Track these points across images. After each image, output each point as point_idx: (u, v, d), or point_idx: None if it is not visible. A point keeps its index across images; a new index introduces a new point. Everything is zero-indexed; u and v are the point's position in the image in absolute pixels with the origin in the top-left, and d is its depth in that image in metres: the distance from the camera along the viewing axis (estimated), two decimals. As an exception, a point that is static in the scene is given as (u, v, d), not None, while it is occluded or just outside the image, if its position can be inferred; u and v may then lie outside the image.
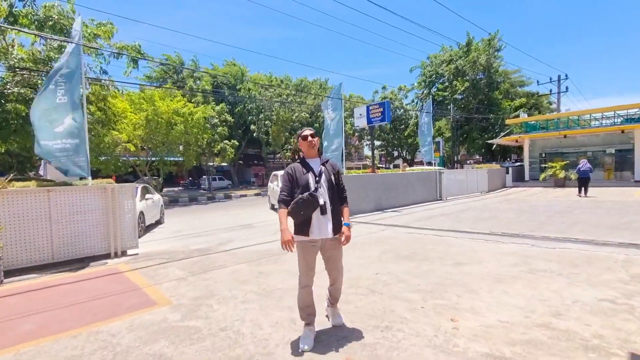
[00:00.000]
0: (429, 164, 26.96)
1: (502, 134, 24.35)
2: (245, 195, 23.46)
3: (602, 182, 17.87)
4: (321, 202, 2.58)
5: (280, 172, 13.47)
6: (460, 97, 29.54)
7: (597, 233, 6.27)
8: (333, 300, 2.91)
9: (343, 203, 2.82)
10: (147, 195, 9.72)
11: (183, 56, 31.58)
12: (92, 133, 11.28)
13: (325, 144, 11.42)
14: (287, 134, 28.80)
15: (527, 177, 21.39)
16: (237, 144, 26.79)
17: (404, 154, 45.76)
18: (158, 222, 10.97)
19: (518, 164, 23.76)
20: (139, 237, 8.47)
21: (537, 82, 26.47)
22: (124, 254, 6.41)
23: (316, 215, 2.60)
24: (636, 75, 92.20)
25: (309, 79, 35.71)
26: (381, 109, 11.45)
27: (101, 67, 10.05)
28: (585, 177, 13.79)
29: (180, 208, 16.95)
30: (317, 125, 31.89)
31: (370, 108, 11.77)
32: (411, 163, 44.57)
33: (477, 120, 29.81)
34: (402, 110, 37.72)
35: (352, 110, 30.69)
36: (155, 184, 21.61)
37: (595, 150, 19.27)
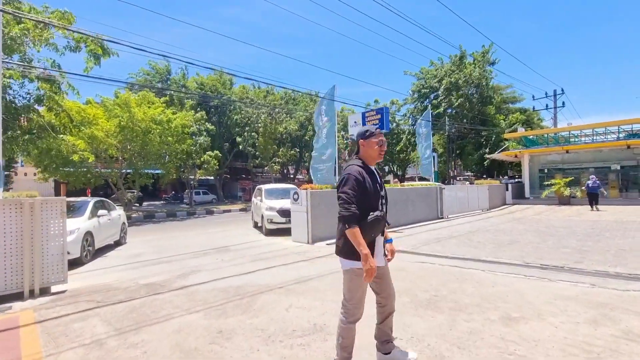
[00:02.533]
0: (422, 179, 25.82)
1: (500, 149, 23.46)
2: (229, 211, 21.74)
3: (608, 199, 16.88)
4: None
5: (267, 186, 11.97)
6: (454, 111, 28.81)
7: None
8: (390, 330, 2.41)
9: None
10: (101, 212, 8.06)
11: (172, 67, 30.12)
12: (37, 137, 9.57)
13: (314, 154, 10.01)
14: (274, 146, 27.37)
15: (527, 194, 20.36)
16: (220, 155, 25.20)
17: (395, 169, 44.83)
18: (118, 243, 9.26)
19: (517, 180, 22.80)
20: (86, 262, 6.86)
21: (533, 96, 25.90)
22: (45, 292, 4.77)
23: (379, 237, 2.25)
24: (619, 95, 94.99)
25: (298, 92, 34.77)
26: (379, 116, 10.20)
27: (54, 61, 8.50)
28: (594, 193, 14.31)
29: (154, 225, 15.14)
30: (307, 138, 30.67)
31: (367, 115, 10.51)
32: (402, 179, 43.62)
33: (472, 135, 29.06)
34: (394, 124, 36.93)
35: (344, 123, 29.69)
36: (130, 198, 19.77)
37: (599, 166, 18.41)
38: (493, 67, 28.67)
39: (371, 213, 2.14)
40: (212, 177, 30.42)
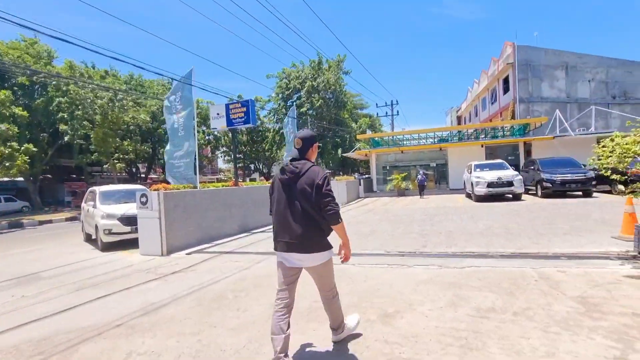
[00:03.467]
0: None
1: (353, 149, 26.34)
2: (49, 222, 16.64)
3: (428, 190, 21.23)
4: None
5: (102, 188, 9.49)
6: (315, 112, 30.73)
7: (476, 241, 6.15)
8: None
9: None
10: None
11: None
12: None
13: (169, 148, 8.46)
14: (117, 139, 22.73)
15: (375, 188, 23.54)
16: (34, 149, 19.13)
17: (261, 168, 44.79)
18: None
19: (366, 176, 26.10)
20: None
21: (376, 104, 30.23)
22: None
23: None
24: (432, 107, 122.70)
25: (145, 78, 30.14)
26: (244, 109, 9.47)
27: None
28: (422, 185, 18.09)
29: None
30: (162, 132, 26.87)
31: (231, 107, 9.62)
32: (268, 177, 44.00)
33: (330, 135, 31.68)
34: (259, 122, 36.65)
35: (202, 116, 27.36)
36: None
37: (423, 164, 22.94)
38: (346, 76, 32.05)
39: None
40: (21, 179, 22.81)
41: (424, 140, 23.68)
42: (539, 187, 14.17)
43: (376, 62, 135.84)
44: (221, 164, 56.96)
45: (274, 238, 2.47)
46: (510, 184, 13.40)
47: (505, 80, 30.39)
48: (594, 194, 13.41)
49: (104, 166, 28.97)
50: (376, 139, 25.03)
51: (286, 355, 2.27)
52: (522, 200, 13.35)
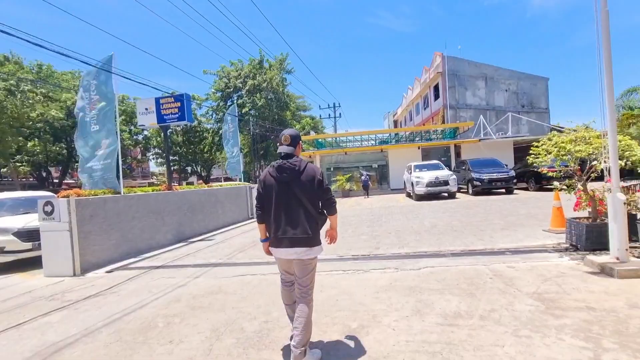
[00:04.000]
0: (228, 179, 25.05)
1: (297, 149, 25.99)
2: None
3: (371, 190, 21.79)
4: None
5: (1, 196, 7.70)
6: (258, 112, 29.71)
7: (426, 241, 6.17)
8: None
9: None
10: None
11: None
12: None
13: (81, 146, 7.12)
14: (20, 138, 19.29)
15: (319, 189, 23.46)
16: None
17: (199, 170, 42.12)
18: None
19: (311, 177, 25.95)
20: None
21: (319, 106, 30.35)
22: None
23: None
24: (373, 110, 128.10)
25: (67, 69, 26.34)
26: (178, 104, 8.46)
27: None
28: (367, 185, 18.55)
29: None
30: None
31: (163, 102, 8.52)
32: (207, 180, 41.52)
33: (273, 137, 30.92)
34: (196, 122, 34.35)
35: (128, 113, 24.70)
36: None
37: (365, 165, 23.51)
38: (289, 76, 31.59)
39: None
40: None
41: (366, 142, 24.32)
42: (469, 185, 15.32)
43: (317, 68, 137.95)
44: (153, 167, 52.34)
45: (275, 235, 2.43)
46: (446, 183, 14.23)
47: (436, 88, 32.78)
48: (515, 191, 14.90)
49: (2, 170, 24.47)
50: (320, 140, 25.04)
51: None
52: (457, 198, 14.26)
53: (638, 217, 4.83)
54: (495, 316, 2.89)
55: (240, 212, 11.80)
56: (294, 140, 2.51)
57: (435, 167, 15.72)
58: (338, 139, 24.88)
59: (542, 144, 5.03)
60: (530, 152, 5.27)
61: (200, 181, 40.58)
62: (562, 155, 4.64)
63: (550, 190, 14.88)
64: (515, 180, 14.71)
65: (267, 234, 2.54)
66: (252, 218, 12.25)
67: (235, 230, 9.61)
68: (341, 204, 16.47)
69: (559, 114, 69.00)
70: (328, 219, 2.54)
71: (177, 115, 8.44)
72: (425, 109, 36.97)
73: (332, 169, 23.84)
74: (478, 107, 31.52)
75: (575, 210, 5.35)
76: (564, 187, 5.06)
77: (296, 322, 2.33)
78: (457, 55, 31.50)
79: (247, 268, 5.24)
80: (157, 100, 8.55)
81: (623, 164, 4.21)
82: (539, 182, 14.78)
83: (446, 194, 14.79)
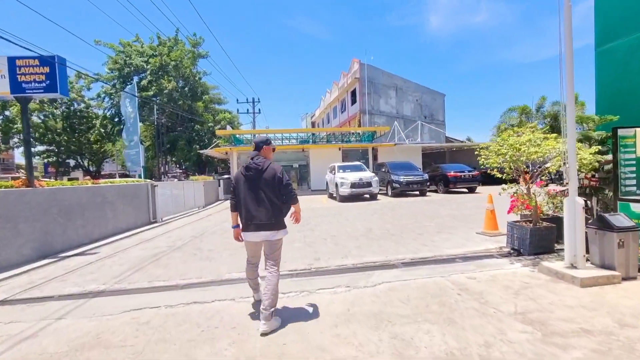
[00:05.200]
0: (125, 176, 21.71)
1: (212, 145, 23.60)
2: None
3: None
4: None
5: None
6: (165, 99, 26.02)
7: (367, 247, 5.56)
8: None
9: None
10: None
11: None
12: None
13: None
14: None
15: (236, 189, 21.65)
16: None
17: (86, 164, 35.33)
18: None
19: (227, 176, 23.83)
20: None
21: (237, 100, 28.38)
22: None
23: None
24: (291, 110, 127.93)
25: None
26: (47, 69, 6.13)
27: None
28: None
29: None
30: None
31: (21, 64, 6.05)
32: (97, 176, 35.10)
33: (183, 129, 27.62)
34: (82, 105, 28.57)
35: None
36: None
37: (285, 164, 22.59)
38: (205, 66, 28.64)
39: None
40: None
41: (287, 141, 23.42)
42: (389, 187, 15.77)
43: (235, 63, 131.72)
44: (20, 157, 41.99)
45: (245, 222, 2.97)
46: (369, 184, 14.28)
47: (353, 93, 33.96)
48: (427, 193, 15.90)
49: None
50: (238, 136, 23.16)
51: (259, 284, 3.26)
52: (378, 199, 14.46)
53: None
54: (496, 355, 2.26)
55: (138, 215, 9.60)
56: (257, 146, 3.14)
57: (358, 169, 15.75)
58: (257, 136, 23.45)
59: (495, 146, 4.86)
60: (480, 154, 5.09)
61: (88, 177, 33.88)
62: (515, 160, 4.49)
63: (456, 193, 16.42)
64: (428, 183, 15.69)
65: (239, 222, 3.06)
66: (155, 223, 10.14)
67: (131, 239, 7.61)
68: (261, 205, 15.20)
69: (450, 127, 79.79)
70: (292, 207, 3.06)
71: (44, 85, 6.13)
72: (342, 112, 38.05)
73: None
74: (390, 114, 33.74)
75: (509, 213, 5.37)
76: (507, 189, 5.00)
77: (265, 290, 2.84)
78: (372, 64, 33.19)
79: (146, 297, 3.77)
80: (10, 60, 6.07)
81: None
82: (447, 185, 16.08)
83: (368, 196, 14.89)
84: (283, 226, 2.99)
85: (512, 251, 4.79)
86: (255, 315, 3.11)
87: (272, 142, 3.31)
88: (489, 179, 21.28)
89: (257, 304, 3.40)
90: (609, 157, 4.40)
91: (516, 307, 3.00)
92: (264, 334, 2.70)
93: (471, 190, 16.48)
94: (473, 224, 7.11)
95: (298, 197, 3.14)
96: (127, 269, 5.01)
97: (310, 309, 3.20)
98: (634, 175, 3.89)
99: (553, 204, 5.24)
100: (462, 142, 32.72)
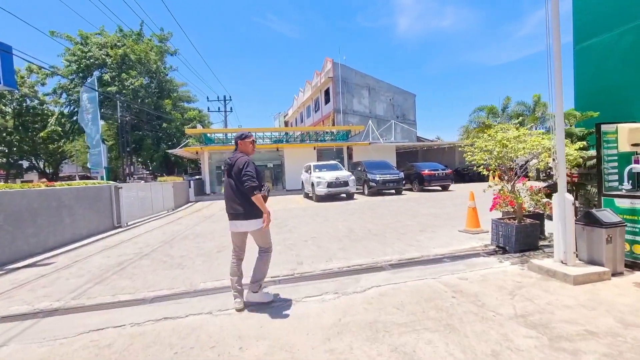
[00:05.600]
0: (86, 178, 20.53)
1: (181, 145, 22.52)
2: None
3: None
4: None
5: None
6: (130, 95, 24.52)
7: (351, 249, 5.34)
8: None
9: None
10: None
11: None
12: None
13: None
14: None
15: (208, 190, 20.81)
16: None
17: (42, 166, 32.74)
18: None
19: (197, 177, 22.85)
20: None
21: (207, 98, 27.28)
22: None
23: None
24: (263, 110, 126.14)
25: None
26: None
27: None
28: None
29: None
30: None
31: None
32: (54, 178, 32.63)
33: (150, 128, 26.21)
34: (36, 102, 26.38)
35: None
36: None
37: (259, 164, 22.01)
38: (173, 61, 27.31)
39: (263, 186, 3.20)
40: None
41: (261, 140, 22.84)
42: (365, 186, 15.73)
43: (203, 61, 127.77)
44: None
45: (226, 211, 3.30)
46: (346, 184, 14.14)
47: (327, 92, 33.86)
48: (403, 192, 16.02)
49: None
50: (209, 135, 22.27)
51: (242, 290, 3.28)
52: (355, 199, 14.35)
53: (545, 215, 5.05)
54: (507, 364, 2.09)
55: (101, 220, 8.82)
56: (235, 142, 3.41)
57: (335, 168, 15.57)
58: (229, 134, 22.63)
59: (481, 142, 4.79)
60: (465, 151, 5.02)
61: (44, 180, 31.34)
62: (502, 157, 4.43)
63: (431, 191, 16.67)
64: (404, 182, 15.81)
65: None
66: (120, 227, 9.38)
67: (92, 246, 6.92)
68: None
69: (420, 127, 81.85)
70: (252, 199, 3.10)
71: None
72: (316, 111, 37.85)
73: (222, 168, 21.45)
74: (363, 114, 33.96)
75: (491, 210, 5.35)
76: (493, 186, 4.96)
77: (254, 270, 3.30)
78: (345, 64, 33.25)
79: (108, 314, 3.31)
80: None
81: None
82: (422, 183, 16.30)
83: (344, 195, 14.75)
84: (256, 216, 3.12)
85: (497, 249, 4.75)
86: (237, 330, 2.77)
87: (250, 135, 3.42)
88: (459, 177, 21.98)
89: (239, 316, 3.06)
90: (591, 152, 4.46)
91: (515, 309, 2.87)
92: (241, 309, 3.14)
93: (444, 188, 16.82)
94: (454, 222, 7.10)
95: (272, 197, 2.93)
96: (87, 280, 4.46)
97: (298, 322, 2.90)
98: (616, 170, 3.93)
99: (533, 200, 5.27)
100: (432, 141, 33.58)
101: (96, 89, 10.89)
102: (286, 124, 51.24)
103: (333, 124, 30.18)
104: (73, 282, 4.47)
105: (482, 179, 22.35)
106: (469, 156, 4.92)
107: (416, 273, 3.99)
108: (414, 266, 4.26)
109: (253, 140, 3.42)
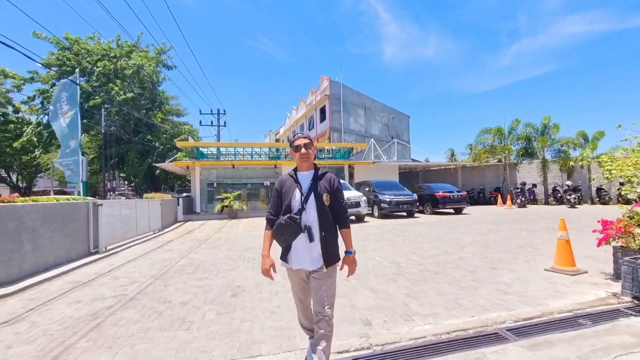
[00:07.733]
0: (61, 192, 18.75)
1: (170, 159, 20.79)
2: None
3: (257, 211, 18.87)
4: (304, 226, 2.11)
5: None
6: (117, 108, 22.76)
7: (419, 299, 3.91)
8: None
9: (343, 226, 2.26)
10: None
11: None
12: None
13: None
14: None
15: (198, 208, 18.98)
16: None
17: (15, 179, 30.09)
18: None
19: (186, 194, 21.02)
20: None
21: (200, 111, 25.88)
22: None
23: (301, 241, 2.13)
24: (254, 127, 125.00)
25: None
26: None
27: None
28: None
29: None
30: None
31: None
32: (27, 192, 29.98)
33: (138, 139, 24.38)
34: (9, 108, 24.29)
35: None
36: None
37: (254, 182, 20.45)
38: (167, 71, 25.95)
39: (280, 219, 2.17)
40: None
41: (256, 156, 21.39)
42: (375, 207, 14.39)
43: (194, 79, 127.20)
44: None
45: None
46: (357, 204, 12.79)
47: (322, 110, 33.04)
48: (416, 214, 14.76)
49: None
50: (201, 149, 20.67)
51: None
52: (367, 221, 12.97)
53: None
54: None
55: (73, 244, 7.07)
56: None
57: (343, 188, 14.23)
58: (225, 149, 21.08)
59: (634, 156, 3.56)
60: (603, 166, 3.80)
61: (16, 194, 28.63)
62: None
63: (444, 214, 15.45)
64: (418, 204, 14.59)
65: None
66: (97, 253, 7.63)
67: (58, 282, 5.22)
68: (232, 227, 12.90)
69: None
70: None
71: None
72: (310, 129, 36.87)
73: (215, 185, 19.79)
74: (359, 133, 33.18)
75: (599, 245, 4.09)
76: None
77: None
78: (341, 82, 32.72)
79: None
80: None
81: None
82: (436, 205, 15.11)
83: (353, 217, 13.35)
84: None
85: (637, 301, 3.43)
86: None
87: (293, 139, 2.32)
88: (472, 200, 20.99)
89: None
90: None
91: None
92: None
93: (458, 211, 15.64)
94: (521, 255, 5.80)
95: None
96: (39, 351, 2.84)
97: None
98: None
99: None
100: (420, 162, 32.89)
101: (77, 82, 9.36)
102: (277, 142, 50.06)
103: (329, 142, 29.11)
104: (18, 352, 2.84)
105: (487, 201, 21.47)
106: (607, 171, 3.69)
107: (563, 350, 2.58)
108: (547, 333, 2.86)
109: (298, 147, 2.25)
